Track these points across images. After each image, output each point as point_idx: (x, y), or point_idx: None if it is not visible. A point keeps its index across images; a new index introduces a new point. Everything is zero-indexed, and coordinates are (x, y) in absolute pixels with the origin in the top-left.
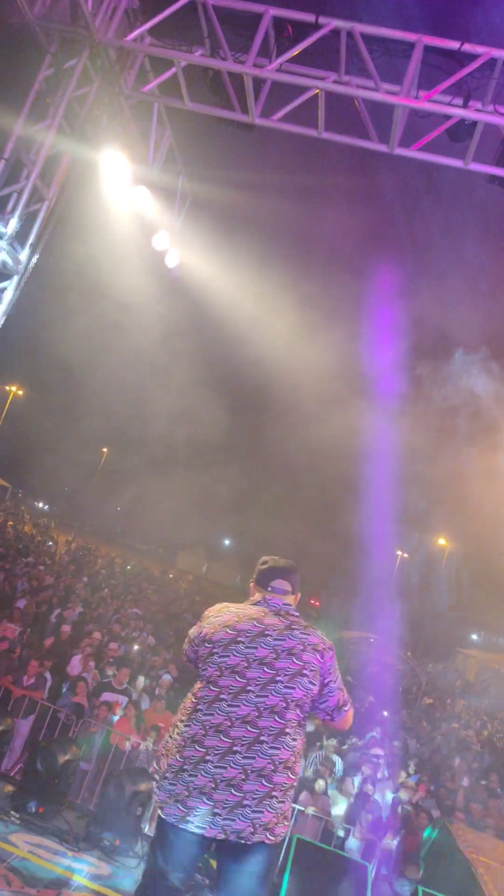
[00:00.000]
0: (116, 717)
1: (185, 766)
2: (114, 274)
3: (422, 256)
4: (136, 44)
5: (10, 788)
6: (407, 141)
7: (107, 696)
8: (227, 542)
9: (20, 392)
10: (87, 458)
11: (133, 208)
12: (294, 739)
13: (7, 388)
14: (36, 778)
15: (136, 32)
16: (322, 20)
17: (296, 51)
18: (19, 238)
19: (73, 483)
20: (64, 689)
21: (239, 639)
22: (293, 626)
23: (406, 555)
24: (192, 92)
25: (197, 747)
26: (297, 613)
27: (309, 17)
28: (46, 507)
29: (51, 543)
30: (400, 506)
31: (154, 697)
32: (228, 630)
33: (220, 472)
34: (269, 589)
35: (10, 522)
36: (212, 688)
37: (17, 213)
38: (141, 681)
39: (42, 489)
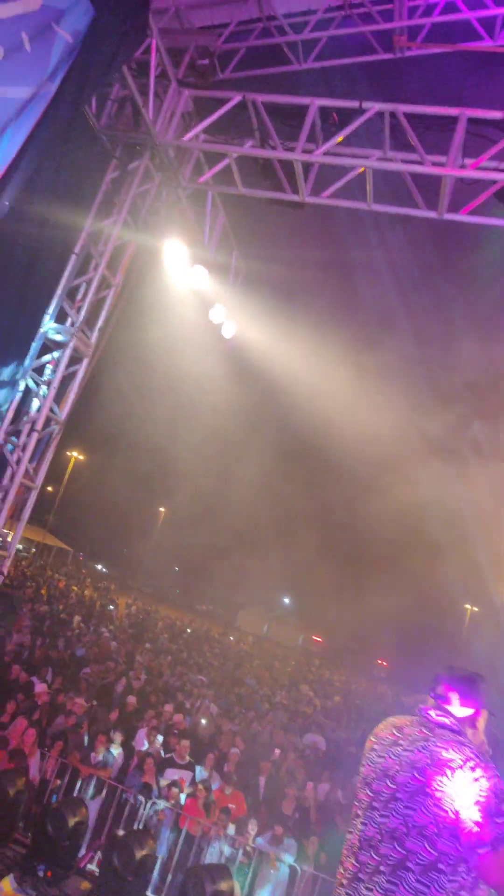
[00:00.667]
0: (184, 796)
1: (334, 888)
2: (174, 347)
3: (477, 313)
4: (192, 142)
5: (86, 885)
6: (455, 205)
7: (171, 772)
8: (286, 600)
9: (81, 457)
10: (144, 520)
11: (191, 286)
12: (422, 882)
13: (68, 453)
14: (113, 875)
15: (193, 133)
16: (366, 105)
17: (341, 136)
18: (89, 323)
19: (131, 545)
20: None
21: (374, 747)
22: (431, 738)
23: (476, 608)
24: (244, 178)
25: (341, 868)
26: (454, 727)
27: (353, 104)
28: (106, 570)
29: (112, 608)
30: (467, 560)
31: (223, 776)
32: (372, 738)
33: (282, 531)
34: (431, 696)
35: (74, 588)
36: (355, 802)
37: (87, 301)
38: (210, 759)
39: (102, 552)
